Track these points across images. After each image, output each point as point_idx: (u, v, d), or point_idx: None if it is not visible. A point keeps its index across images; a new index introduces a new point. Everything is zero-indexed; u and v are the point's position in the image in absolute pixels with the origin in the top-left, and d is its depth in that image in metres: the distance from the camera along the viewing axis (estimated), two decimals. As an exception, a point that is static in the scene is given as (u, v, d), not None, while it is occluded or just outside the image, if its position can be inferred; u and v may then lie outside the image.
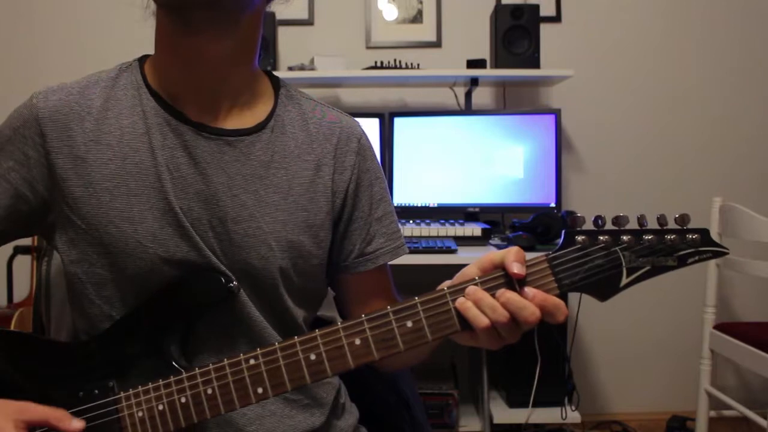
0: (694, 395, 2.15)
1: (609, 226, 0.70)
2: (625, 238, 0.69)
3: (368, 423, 0.96)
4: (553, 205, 2.20)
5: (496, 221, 2.29)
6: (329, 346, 0.71)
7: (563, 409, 2.12)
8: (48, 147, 0.78)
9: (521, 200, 2.22)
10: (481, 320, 0.68)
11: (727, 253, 0.69)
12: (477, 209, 2.25)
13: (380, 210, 0.91)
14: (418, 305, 0.70)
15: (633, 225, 0.70)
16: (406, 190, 2.24)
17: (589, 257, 0.69)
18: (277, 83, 0.89)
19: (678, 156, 2.52)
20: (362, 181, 0.90)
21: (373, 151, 0.93)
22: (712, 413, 2.16)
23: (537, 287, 0.69)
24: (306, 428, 0.85)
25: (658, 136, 2.51)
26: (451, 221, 2.11)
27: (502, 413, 2.15)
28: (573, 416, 2.13)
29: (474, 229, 2.04)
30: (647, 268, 0.69)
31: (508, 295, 0.68)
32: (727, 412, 2.18)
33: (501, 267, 0.71)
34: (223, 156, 0.81)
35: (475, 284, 0.70)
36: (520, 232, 1.93)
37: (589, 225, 0.71)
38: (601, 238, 0.69)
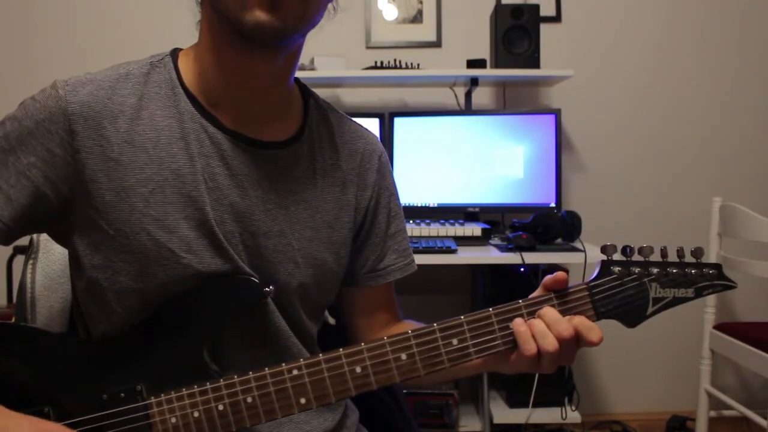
0: (694, 395, 2.16)
1: (626, 253, 0.76)
2: (654, 270, 0.74)
3: (366, 421, 0.96)
4: (553, 205, 2.20)
5: (496, 221, 2.29)
6: (375, 360, 0.72)
7: (563, 409, 2.12)
8: (77, 145, 0.72)
9: (521, 200, 2.22)
10: (551, 344, 0.70)
11: (734, 287, 0.75)
12: (477, 209, 2.25)
13: (394, 227, 0.92)
14: (464, 324, 0.73)
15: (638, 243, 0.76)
16: (406, 190, 2.24)
17: (623, 287, 0.74)
18: (306, 92, 0.88)
19: (678, 156, 2.52)
20: (381, 199, 0.91)
21: (390, 167, 0.94)
22: (712, 413, 2.16)
23: (576, 313, 0.74)
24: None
25: (658, 135, 2.51)
26: (451, 221, 2.11)
27: (502, 413, 2.15)
28: (573, 416, 2.13)
29: (474, 229, 2.04)
30: (669, 298, 0.75)
31: (576, 319, 0.72)
32: (727, 412, 2.19)
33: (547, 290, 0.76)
34: (258, 169, 0.79)
35: (520, 310, 0.74)
36: (520, 232, 1.92)
37: (600, 245, 0.76)
38: (633, 269, 0.74)
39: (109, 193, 0.73)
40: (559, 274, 0.74)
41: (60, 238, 0.81)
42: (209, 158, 0.76)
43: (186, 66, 0.80)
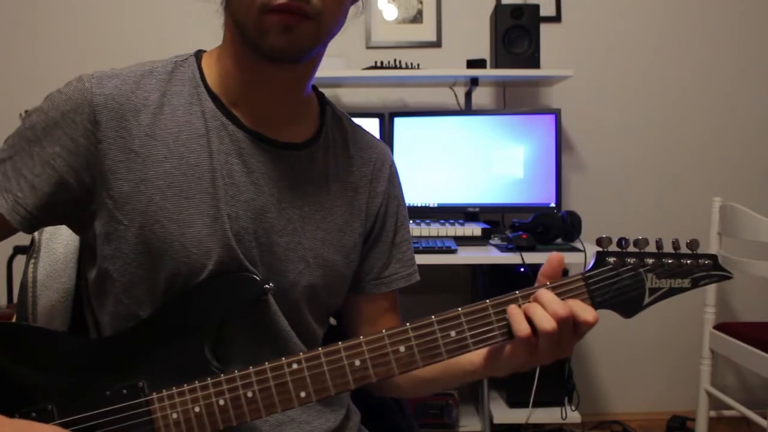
0: (694, 395, 2.16)
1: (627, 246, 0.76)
2: (649, 261, 0.75)
3: (367, 422, 0.96)
4: (553, 205, 2.20)
5: (496, 221, 2.29)
6: (374, 353, 0.72)
7: (563, 409, 2.12)
8: (101, 136, 0.74)
9: (521, 200, 2.22)
10: (548, 322, 0.70)
11: (731, 278, 0.76)
12: (477, 209, 2.25)
13: (400, 236, 0.94)
14: (462, 316, 0.73)
15: (635, 237, 0.76)
16: (406, 190, 2.22)
17: (619, 277, 0.74)
18: (323, 100, 0.91)
19: (678, 156, 2.52)
20: (390, 207, 0.93)
21: (399, 178, 0.96)
22: (712, 413, 2.16)
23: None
24: None
25: (658, 135, 2.51)
26: (451, 221, 2.11)
27: (502, 413, 2.15)
28: (573, 416, 2.13)
29: (474, 229, 2.04)
30: (666, 288, 0.75)
31: (571, 300, 0.72)
32: (727, 412, 2.19)
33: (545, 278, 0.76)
34: (275, 168, 0.80)
35: (516, 298, 0.74)
36: (520, 232, 1.92)
37: (600, 240, 0.77)
38: (629, 260, 0.75)
39: (127, 185, 0.75)
40: (552, 255, 0.74)
41: (79, 228, 0.82)
42: (228, 155, 0.78)
43: (209, 66, 0.82)
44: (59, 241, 0.94)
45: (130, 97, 0.76)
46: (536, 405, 2.12)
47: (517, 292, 0.74)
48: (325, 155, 0.86)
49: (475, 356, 0.80)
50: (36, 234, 0.95)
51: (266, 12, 0.70)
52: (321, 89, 0.92)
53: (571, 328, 0.71)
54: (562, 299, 0.72)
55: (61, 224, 0.83)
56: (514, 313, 0.72)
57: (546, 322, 0.70)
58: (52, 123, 0.74)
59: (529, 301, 0.73)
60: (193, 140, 0.77)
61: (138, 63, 0.81)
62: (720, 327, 2.08)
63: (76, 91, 0.75)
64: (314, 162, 0.84)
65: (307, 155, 0.84)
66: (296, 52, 0.74)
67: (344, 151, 0.89)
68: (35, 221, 0.76)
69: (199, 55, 0.83)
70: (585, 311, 0.71)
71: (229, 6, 0.77)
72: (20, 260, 2.36)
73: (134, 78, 0.77)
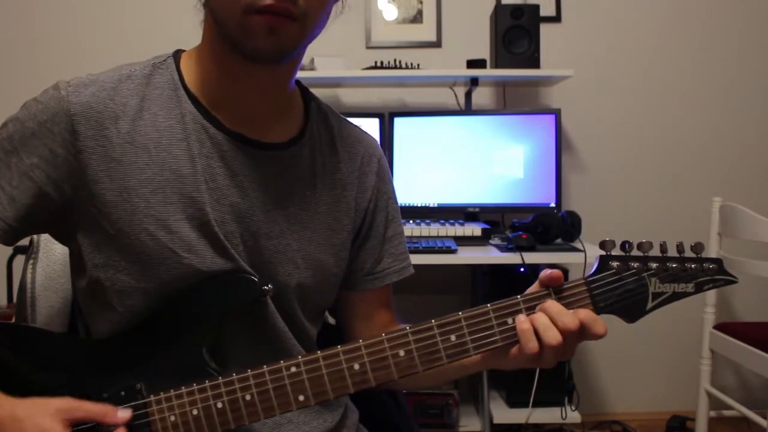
0: (694, 395, 2.16)
1: (629, 249, 0.75)
2: (653, 265, 0.74)
3: (366, 422, 0.96)
4: (553, 205, 2.20)
5: (496, 221, 2.29)
6: (373, 357, 0.72)
7: (563, 409, 2.12)
8: (80, 146, 0.72)
9: (521, 200, 2.22)
10: (555, 338, 0.70)
11: (736, 282, 0.74)
12: (477, 209, 2.25)
13: (391, 230, 0.93)
14: (462, 320, 0.72)
15: (638, 239, 0.75)
16: (406, 190, 2.24)
17: (622, 282, 0.73)
18: (307, 95, 0.89)
19: (678, 156, 2.52)
20: (380, 202, 0.91)
21: (389, 171, 0.94)
22: (712, 413, 2.16)
23: (575, 308, 0.72)
24: None
25: (658, 136, 2.51)
26: (451, 221, 2.11)
27: (502, 413, 2.15)
28: (573, 416, 2.13)
29: (474, 229, 2.04)
30: (669, 293, 0.74)
31: (582, 312, 0.71)
32: (727, 412, 2.19)
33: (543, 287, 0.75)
34: (259, 170, 0.79)
35: (518, 302, 0.73)
36: (520, 232, 1.92)
37: (600, 241, 0.75)
38: (633, 264, 0.74)
39: (110, 193, 0.73)
40: (555, 271, 0.74)
41: (63, 238, 0.81)
42: (210, 159, 0.77)
43: (188, 67, 0.80)
44: (58, 243, 0.94)
45: (108, 105, 0.74)
46: (536, 405, 2.11)
47: (518, 297, 0.74)
48: (311, 153, 0.85)
49: (476, 357, 0.80)
50: (34, 235, 0.95)
51: (251, 12, 0.69)
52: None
53: (576, 337, 0.71)
54: (564, 304, 0.72)
55: (45, 233, 0.83)
56: (525, 329, 0.71)
57: (553, 338, 0.70)
58: (29, 133, 0.73)
59: (531, 307, 0.73)
60: (174, 145, 0.76)
61: (116, 67, 0.79)
62: (720, 327, 2.08)
63: (52, 99, 0.73)
64: (299, 161, 0.83)
65: (291, 154, 0.82)
66: (279, 53, 0.72)
67: (330, 148, 0.87)
68: (16, 233, 0.75)
69: (177, 55, 0.81)
70: (596, 324, 0.71)
71: (209, 2, 0.75)
72: (20, 260, 2.36)
73: (111, 84, 0.76)
